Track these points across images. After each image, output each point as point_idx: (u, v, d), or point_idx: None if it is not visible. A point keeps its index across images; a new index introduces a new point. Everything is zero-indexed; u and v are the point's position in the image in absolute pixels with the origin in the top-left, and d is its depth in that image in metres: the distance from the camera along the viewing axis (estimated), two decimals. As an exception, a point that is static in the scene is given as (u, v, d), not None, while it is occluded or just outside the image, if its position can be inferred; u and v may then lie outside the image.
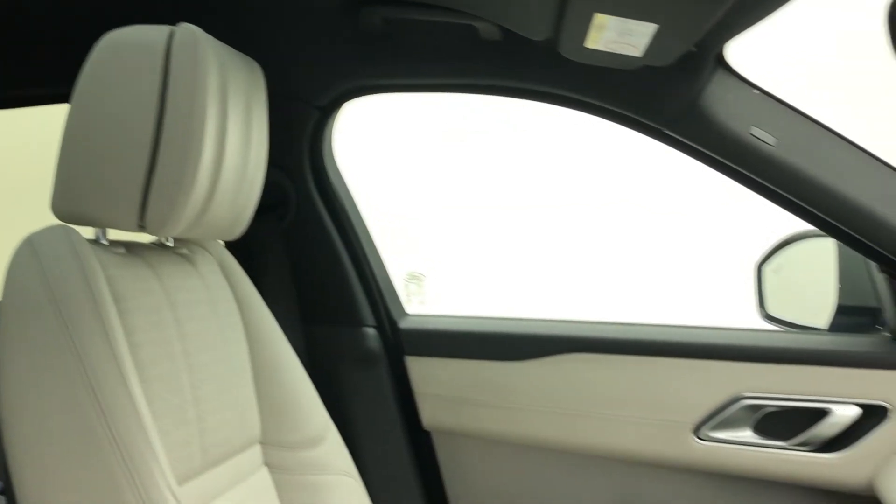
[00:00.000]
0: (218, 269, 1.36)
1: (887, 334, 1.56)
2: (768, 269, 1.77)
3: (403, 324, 1.68)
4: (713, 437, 1.55)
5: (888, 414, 1.48)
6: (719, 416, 1.54)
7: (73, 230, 1.08)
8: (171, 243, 1.31)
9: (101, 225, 1.12)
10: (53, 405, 0.96)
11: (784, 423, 1.53)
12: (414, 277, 2.82)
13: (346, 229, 1.65)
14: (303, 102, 1.55)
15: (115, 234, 1.17)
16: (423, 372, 1.65)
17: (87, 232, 1.12)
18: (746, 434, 1.54)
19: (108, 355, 0.97)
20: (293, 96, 1.53)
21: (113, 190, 1.07)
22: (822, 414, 1.51)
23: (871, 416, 1.49)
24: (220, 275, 1.35)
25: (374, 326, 1.66)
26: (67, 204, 1.08)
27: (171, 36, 1.08)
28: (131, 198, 1.07)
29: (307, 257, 1.64)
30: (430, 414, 1.66)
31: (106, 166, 1.06)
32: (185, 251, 1.31)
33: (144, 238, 1.24)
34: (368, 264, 1.67)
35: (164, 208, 1.07)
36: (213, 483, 1.19)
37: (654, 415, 1.56)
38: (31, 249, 1.04)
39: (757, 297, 1.76)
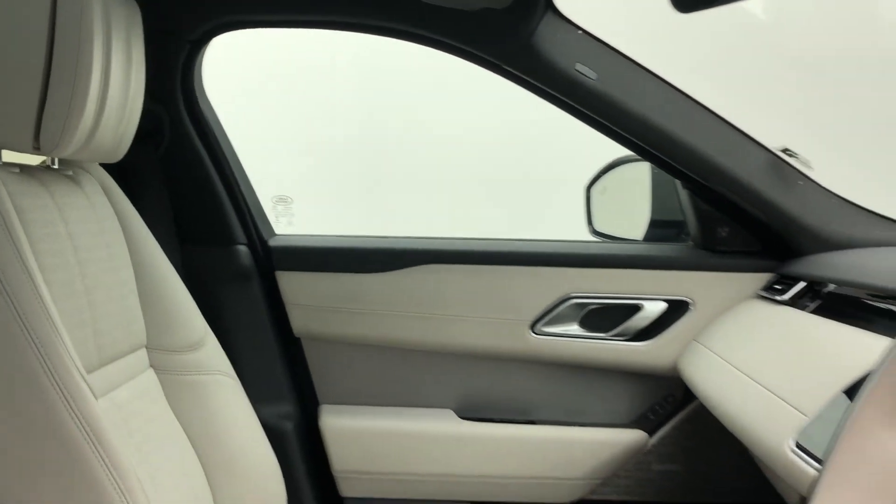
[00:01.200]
0: (101, 190, 1.47)
1: (690, 242, 1.85)
2: (595, 190, 2.03)
3: (273, 242, 1.84)
4: (546, 332, 1.80)
5: (689, 307, 1.77)
6: (551, 314, 1.79)
7: None
8: (56, 166, 1.41)
9: (5, 146, 1.22)
10: None
11: (604, 318, 1.80)
12: (281, 200, 2.95)
13: (217, 155, 1.78)
14: (175, 37, 1.66)
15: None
16: (292, 285, 1.82)
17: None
18: (574, 328, 1.81)
19: (17, 260, 1.10)
20: (167, 31, 1.64)
21: (9, 114, 1.18)
22: (635, 309, 1.79)
23: (676, 309, 1.78)
24: (102, 195, 1.47)
25: (245, 244, 1.81)
26: None
27: None
28: (27, 121, 1.18)
29: (181, 181, 1.76)
30: (300, 322, 1.83)
31: (2, 93, 1.17)
32: (69, 173, 1.43)
33: (32, 161, 1.35)
34: (239, 188, 1.81)
35: (57, 130, 1.19)
36: (107, 379, 1.34)
37: (497, 315, 1.79)
38: None
39: (586, 214, 2.01)
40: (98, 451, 1.09)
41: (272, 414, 1.75)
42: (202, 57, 1.74)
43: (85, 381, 1.12)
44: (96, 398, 1.15)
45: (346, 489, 1.83)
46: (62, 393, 1.09)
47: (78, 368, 1.12)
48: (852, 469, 0.68)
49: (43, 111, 1.19)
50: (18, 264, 1.10)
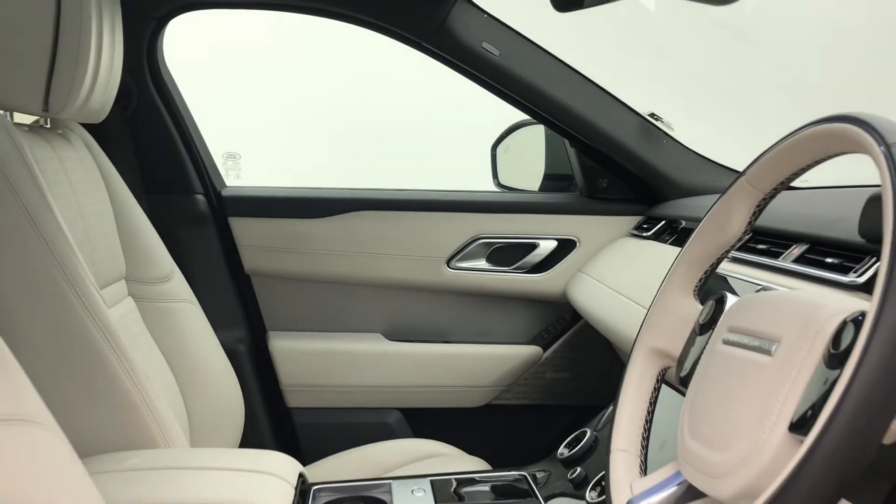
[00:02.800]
0: (84, 146, 1.75)
1: (577, 192, 2.22)
2: (499, 150, 2.38)
3: (225, 192, 2.13)
4: (459, 267, 2.15)
5: (576, 244, 2.15)
6: (463, 252, 2.14)
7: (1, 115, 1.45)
8: (48, 126, 1.68)
9: (11, 109, 1.49)
10: (4, 234, 1.35)
11: (507, 255, 2.16)
12: (231, 156, 3.23)
13: (177, 116, 2.05)
14: (143, 15, 1.93)
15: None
16: (243, 229, 2.12)
17: None
18: (482, 263, 2.16)
19: (40, 197, 1.37)
20: (136, 10, 1.90)
21: (21, 83, 1.44)
22: (532, 247, 2.15)
23: (564, 246, 2.15)
24: (86, 150, 1.75)
25: (202, 194, 2.10)
26: None
27: None
28: (37, 88, 1.46)
29: (146, 139, 2.04)
30: (250, 261, 2.13)
31: (16, 62, 1.43)
32: (59, 132, 1.70)
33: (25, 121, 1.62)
34: (195, 145, 2.09)
35: (64, 94, 1.47)
36: (105, 300, 1.63)
37: (417, 253, 2.13)
38: None
39: (492, 170, 2.37)
40: (116, 351, 1.39)
41: (228, 338, 2.05)
42: (164, 33, 2.01)
43: (99, 294, 1.42)
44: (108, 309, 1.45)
45: (292, 401, 2.16)
46: (84, 303, 1.38)
47: (93, 284, 1.41)
48: (660, 318, 1.04)
49: (51, 79, 1.46)
50: (41, 201, 1.38)
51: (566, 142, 2.19)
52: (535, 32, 2.04)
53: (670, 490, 0.91)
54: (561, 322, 2.22)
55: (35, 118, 1.69)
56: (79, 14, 1.45)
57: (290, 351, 2.14)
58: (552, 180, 2.30)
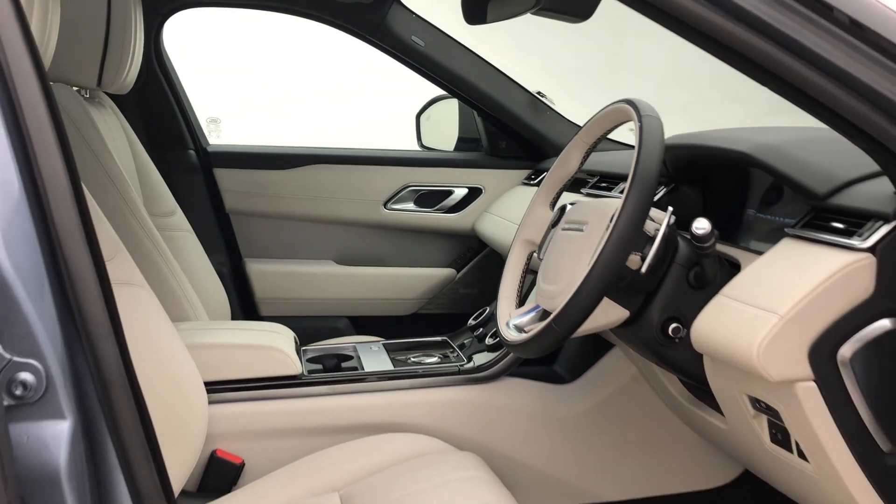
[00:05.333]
0: (112, 112, 2.32)
1: (482, 151, 2.89)
2: (423, 117, 3.03)
3: (210, 148, 2.72)
4: (393, 208, 2.80)
5: (482, 191, 2.82)
6: (396, 196, 2.79)
7: (69, 87, 2.02)
8: (87, 96, 2.25)
9: (70, 83, 2.06)
10: (84, 174, 1.93)
11: (429, 199, 2.82)
12: (213, 121, 3.80)
13: (175, 89, 2.63)
14: (150, 10, 2.50)
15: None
16: (225, 177, 2.71)
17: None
18: (410, 206, 2.82)
19: (104, 147, 1.96)
20: (145, 5, 2.47)
21: (79, 62, 2.01)
22: (449, 193, 2.82)
23: (474, 193, 2.82)
24: (114, 115, 2.32)
25: (193, 149, 2.69)
26: (55, 70, 2.01)
27: None
28: (93, 65, 2.03)
29: (151, 108, 2.61)
30: (230, 203, 2.73)
31: (76, 47, 1.98)
32: (96, 100, 2.27)
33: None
34: (188, 112, 2.68)
35: (113, 73, 2.05)
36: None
37: (361, 197, 2.77)
38: None
39: (417, 134, 3.01)
40: (159, 252, 1.99)
41: (215, 262, 2.64)
42: (166, 24, 2.59)
43: (150, 221, 2.01)
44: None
45: (264, 310, 2.78)
46: (138, 221, 1.98)
47: (143, 207, 2.01)
48: (529, 221, 1.70)
49: (105, 57, 2.03)
50: (105, 150, 1.97)
51: (475, 112, 2.85)
52: (457, 30, 2.69)
53: (532, 314, 1.59)
54: (470, 250, 2.90)
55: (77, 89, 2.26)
56: (124, 8, 2.03)
57: (263, 273, 2.76)
58: (464, 142, 2.96)
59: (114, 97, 2.37)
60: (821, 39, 1.06)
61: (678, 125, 1.86)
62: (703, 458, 1.93)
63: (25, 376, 0.85)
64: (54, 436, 0.86)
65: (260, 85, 4.28)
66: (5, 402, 0.84)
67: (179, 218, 2.45)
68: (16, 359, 0.84)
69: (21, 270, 0.85)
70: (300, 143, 2.84)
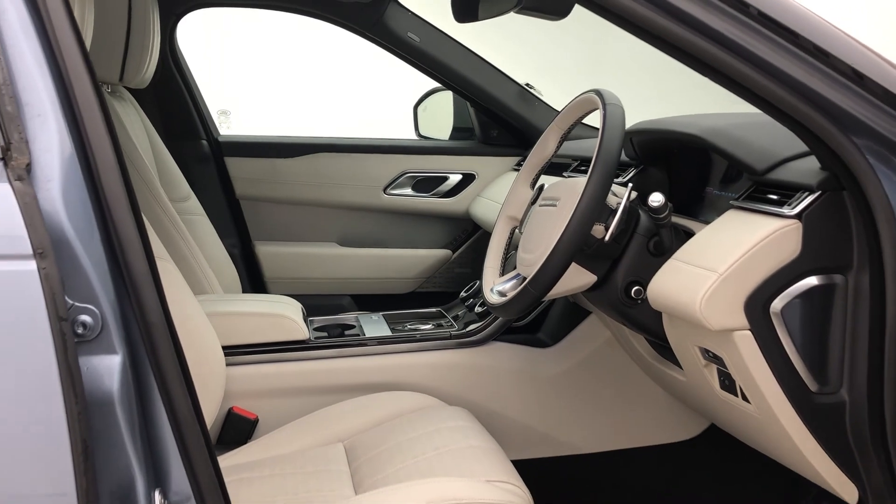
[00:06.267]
0: (131, 105, 2.52)
1: (475, 139, 3.08)
2: (420, 108, 3.22)
3: (221, 139, 2.92)
4: (392, 193, 2.99)
5: (475, 177, 3.01)
6: (395, 182, 2.98)
7: None
8: (109, 90, 2.44)
9: (98, 79, 2.25)
10: None
11: (426, 184, 3.01)
12: (223, 112, 4.02)
13: (188, 84, 2.83)
14: (165, 9, 2.69)
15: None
16: (235, 165, 2.91)
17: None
18: (409, 191, 3.01)
19: (128, 137, 2.15)
20: (161, 6, 2.66)
21: (104, 58, 2.20)
22: (444, 179, 3.01)
23: (467, 179, 3.01)
24: (133, 108, 2.52)
25: (205, 139, 2.88)
26: None
27: None
28: (115, 61, 2.22)
29: (167, 99, 2.80)
30: (240, 189, 2.93)
31: (99, 45, 2.18)
32: (117, 94, 2.46)
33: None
34: (201, 105, 2.87)
35: (136, 67, 2.24)
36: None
37: (363, 183, 2.96)
38: None
39: (414, 124, 3.20)
40: (178, 231, 2.19)
41: (227, 244, 2.84)
42: (179, 23, 2.78)
43: (170, 204, 2.21)
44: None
45: (273, 290, 2.97)
46: (159, 203, 2.18)
47: (163, 192, 2.20)
48: (512, 199, 1.89)
49: (127, 54, 2.23)
50: (129, 140, 2.16)
51: (468, 103, 3.03)
52: (449, 25, 2.87)
53: (513, 281, 1.78)
54: (464, 233, 3.09)
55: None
56: (143, 9, 2.23)
57: (271, 254, 2.95)
58: (458, 131, 3.14)
59: (133, 91, 2.56)
60: (755, 40, 1.24)
61: (653, 111, 2.06)
62: (672, 414, 2.13)
63: (85, 318, 1.04)
64: (108, 367, 1.06)
65: (267, 79, 4.56)
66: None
67: (194, 203, 2.64)
68: (77, 304, 1.04)
69: (80, 233, 1.05)
70: (305, 133, 3.03)
